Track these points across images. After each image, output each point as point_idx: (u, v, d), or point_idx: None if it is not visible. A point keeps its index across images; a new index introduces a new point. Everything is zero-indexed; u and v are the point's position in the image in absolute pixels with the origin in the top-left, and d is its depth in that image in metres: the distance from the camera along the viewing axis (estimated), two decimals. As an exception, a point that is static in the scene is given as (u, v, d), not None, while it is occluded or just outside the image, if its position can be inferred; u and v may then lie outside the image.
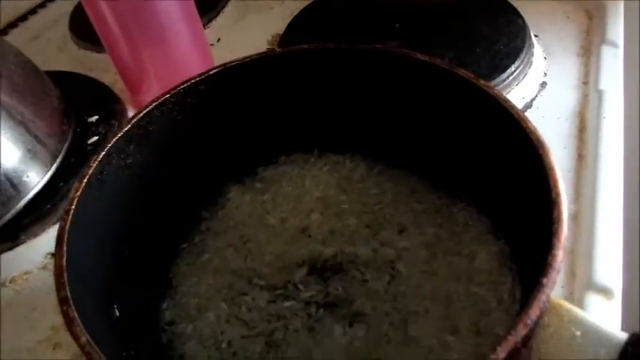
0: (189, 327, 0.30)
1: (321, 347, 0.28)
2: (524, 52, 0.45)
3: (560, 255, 0.20)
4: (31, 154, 0.40)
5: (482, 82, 0.27)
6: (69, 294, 0.22)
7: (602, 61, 0.46)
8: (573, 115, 0.43)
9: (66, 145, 0.43)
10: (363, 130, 0.35)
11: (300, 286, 0.31)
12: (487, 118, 0.28)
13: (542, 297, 0.19)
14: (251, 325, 0.30)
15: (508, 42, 0.46)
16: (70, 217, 0.24)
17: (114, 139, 0.28)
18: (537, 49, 0.48)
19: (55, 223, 0.41)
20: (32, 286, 0.39)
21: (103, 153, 0.27)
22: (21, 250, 0.40)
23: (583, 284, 0.32)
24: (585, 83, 0.46)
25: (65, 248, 0.23)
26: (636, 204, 0.41)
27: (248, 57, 0.31)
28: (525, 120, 0.25)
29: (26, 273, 0.39)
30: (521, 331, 0.19)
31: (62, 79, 0.48)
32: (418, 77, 0.30)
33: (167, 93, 0.30)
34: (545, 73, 0.47)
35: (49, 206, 0.41)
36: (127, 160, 0.29)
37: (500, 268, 0.29)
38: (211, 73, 0.31)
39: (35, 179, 0.40)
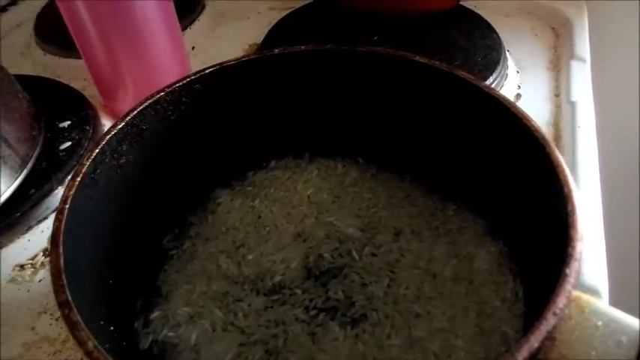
0: (182, 337, 0.28)
1: (324, 352, 0.27)
2: (500, 64, 0.46)
3: (580, 246, 0.21)
4: (-1, 158, 0.38)
5: (483, 83, 0.28)
6: (69, 297, 0.20)
7: (572, 75, 0.48)
8: (548, 125, 0.45)
9: (37, 150, 0.41)
10: (355, 134, 0.35)
11: (298, 291, 0.30)
12: (487, 120, 0.28)
13: (568, 286, 0.19)
14: (248, 332, 0.28)
15: (485, 55, 0.47)
16: (65, 215, 0.23)
17: (107, 137, 0.27)
18: (511, 63, 0.49)
19: (24, 234, 0.39)
20: (-1, 300, 0.36)
21: (97, 151, 0.26)
22: (-13, 261, 0.37)
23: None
24: (557, 95, 0.48)
25: (61, 249, 0.22)
26: (614, 204, 0.43)
27: (245, 56, 0.31)
28: (529, 119, 0.26)
29: (-8, 286, 0.36)
30: (551, 320, 0.19)
31: (30, 83, 0.45)
32: (415, 80, 0.31)
33: (162, 91, 0.29)
34: (519, 86, 0.49)
35: (18, 214, 0.38)
36: (119, 160, 0.28)
37: (500, 268, 0.29)
38: (207, 71, 0.30)
39: (3, 186, 0.38)
